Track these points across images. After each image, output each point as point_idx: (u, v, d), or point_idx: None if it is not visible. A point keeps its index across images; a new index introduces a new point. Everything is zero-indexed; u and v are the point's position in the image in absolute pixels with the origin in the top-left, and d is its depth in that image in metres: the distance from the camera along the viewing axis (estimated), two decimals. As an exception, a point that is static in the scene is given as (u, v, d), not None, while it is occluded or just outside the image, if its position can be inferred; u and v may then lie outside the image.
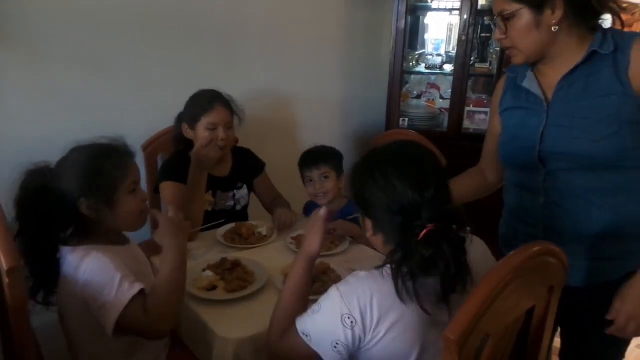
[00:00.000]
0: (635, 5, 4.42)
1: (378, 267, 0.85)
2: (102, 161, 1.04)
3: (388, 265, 0.83)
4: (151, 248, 1.26)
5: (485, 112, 2.25)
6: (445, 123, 2.33)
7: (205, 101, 1.59)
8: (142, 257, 1.19)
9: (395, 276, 0.80)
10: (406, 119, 2.38)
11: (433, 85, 2.55)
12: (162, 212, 1.11)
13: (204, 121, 1.57)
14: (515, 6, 1.02)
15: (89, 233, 1.05)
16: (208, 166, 1.56)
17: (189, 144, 1.63)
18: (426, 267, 0.79)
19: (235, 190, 1.73)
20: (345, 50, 2.51)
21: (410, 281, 0.79)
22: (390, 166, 0.86)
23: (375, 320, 0.81)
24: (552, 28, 1.02)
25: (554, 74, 1.09)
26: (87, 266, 0.99)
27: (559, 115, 1.08)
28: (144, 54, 1.82)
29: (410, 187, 0.82)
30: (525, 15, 1.02)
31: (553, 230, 1.13)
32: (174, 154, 1.67)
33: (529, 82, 1.14)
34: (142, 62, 1.82)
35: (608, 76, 1.02)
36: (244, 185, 1.77)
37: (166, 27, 1.84)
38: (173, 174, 1.59)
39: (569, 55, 1.05)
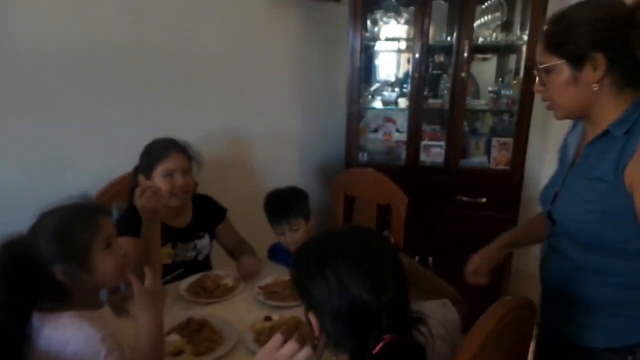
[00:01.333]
0: None
1: None
2: (71, 223, 0.99)
3: None
4: (121, 307, 1.19)
5: (441, 146, 2.32)
6: (403, 156, 2.38)
7: (160, 149, 1.55)
8: (116, 322, 1.12)
9: None
10: (365, 153, 2.41)
11: (389, 120, 2.61)
12: (138, 282, 1.05)
13: (160, 169, 1.53)
14: (554, 60, 0.96)
15: (65, 300, 0.99)
16: (157, 218, 1.47)
17: None
18: None
19: (196, 241, 1.68)
20: (302, 87, 2.53)
21: None
22: (341, 262, 0.75)
23: None
24: (593, 87, 0.94)
25: (591, 136, 1.01)
26: (70, 339, 0.93)
27: (569, 183, 1.05)
28: (94, 99, 1.75)
29: (366, 289, 0.72)
30: (565, 71, 0.96)
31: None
32: (130, 207, 1.59)
33: (573, 137, 1.12)
34: (93, 107, 1.76)
35: (610, 160, 0.94)
36: (206, 234, 1.71)
37: (118, 71, 1.79)
38: (129, 228, 1.51)
39: (607, 119, 0.97)
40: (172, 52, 1.92)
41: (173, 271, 1.52)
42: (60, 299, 0.98)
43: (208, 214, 1.72)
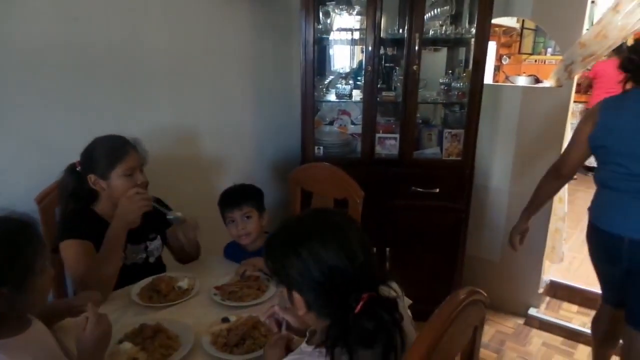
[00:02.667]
0: (512, 28, 4.93)
1: (316, 346, 0.82)
2: (11, 243, 0.89)
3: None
4: (54, 313, 1.16)
5: (395, 138, 2.35)
6: (359, 149, 2.39)
7: (118, 147, 1.48)
8: (46, 338, 1.05)
9: (332, 354, 0.77)
10: (321, 147, 2.40)
11: (344, 112, 2.61)
12: (93, 317, 0.99)
13: (121, 168, 1.46)
14: None
15: None
16: (137, 221, 1.45)
17: (92, 197, 1.49)
18: (368, 340, 0.76)
19: (147, 242, 1.61)
20: (255, 81, 2.49)
21: (348, 356, 0.76)
22: (314, 240, 0.82)
23: None
24: None
25: None
26: None
27: None
28: (35, 99, 1.63)
29: (339, 258, 0.80)
30: None
31: None
32: (75, 209, 1.51)
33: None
34: (34, 107, 1.63)
35: None
36: (158, 236, 1.66)
37: (57, 69, 1.66)
38: (75, 231, 1.43)
39: None
40: (115, 48, 1.81)
41: (124, 274, 1.45)
42: None
43: (158, 215, 1.66)
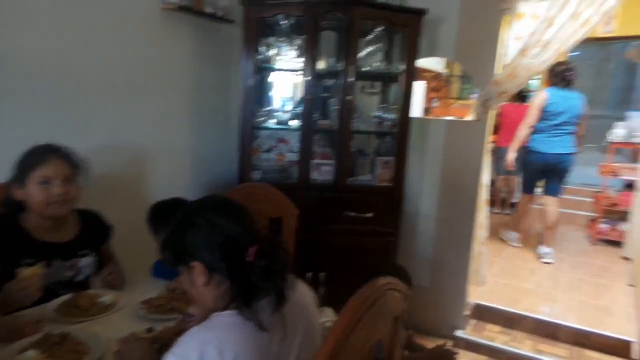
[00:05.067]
0: (440, 73, 5.34)
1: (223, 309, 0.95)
2: None
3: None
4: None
5: (330, 164, 2.44)
6: (296, 175, 2.45)
7: (36, 155, 1.42)
8: None
9: (242, 304, 0.91)
10: (259, 171, 2.44)
11: (282, 140, 2.68)
12: None
13: (35, 176, 1.39)
14: None
15: None
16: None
17: (20, 208, 1.43)
18: (265, 278, 0.92)
19: (77, 259, 1.53)
20: (195, 105, 2.51)
21: (248, 303, 0.91)
22: (209, 209, 0.99)
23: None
24: None
25: None
26: None
27: None
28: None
29: (231, 221, 0.97)
30: None
31: None
32: None
33: None
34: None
35: None
36: (92, 253, 1.58)
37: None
38: None
39: None
40: (57, 65, 1.79)
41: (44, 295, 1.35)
42: None
43: (94, 230, 1.60)
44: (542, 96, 3.53)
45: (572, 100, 3.51)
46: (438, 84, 5.68)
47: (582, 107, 3.53)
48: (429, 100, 4.54)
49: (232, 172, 2.46)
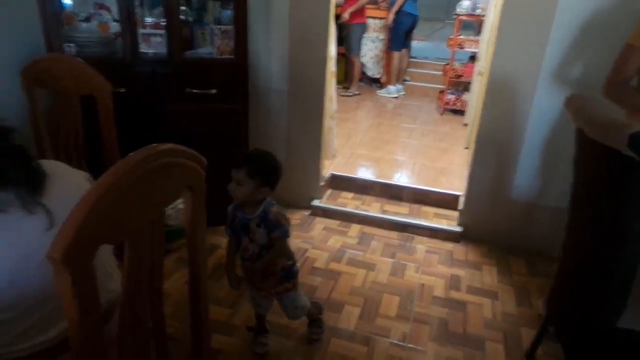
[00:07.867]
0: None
1: None
2: None
3: None
4: None
5: (161, 35, 2.14)
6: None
7: None
8: None
9: None
10: (72, 44, 2.05)
11: (102, 7, 2.26)
12: None
13: None
14: None
15: None
16: None
17: None
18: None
19: None
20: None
21: None
22: None
23: None
24: None
25: None
26: None
27: None
28: None
29: None
30: None
31: None
32: None
33: None
34: None
35: None
36: None
37: None
38: None
39: None
40: None
41: None
42: None
43: None
44: None
45: None
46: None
47: None
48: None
49: (38, 45, 2.03)
